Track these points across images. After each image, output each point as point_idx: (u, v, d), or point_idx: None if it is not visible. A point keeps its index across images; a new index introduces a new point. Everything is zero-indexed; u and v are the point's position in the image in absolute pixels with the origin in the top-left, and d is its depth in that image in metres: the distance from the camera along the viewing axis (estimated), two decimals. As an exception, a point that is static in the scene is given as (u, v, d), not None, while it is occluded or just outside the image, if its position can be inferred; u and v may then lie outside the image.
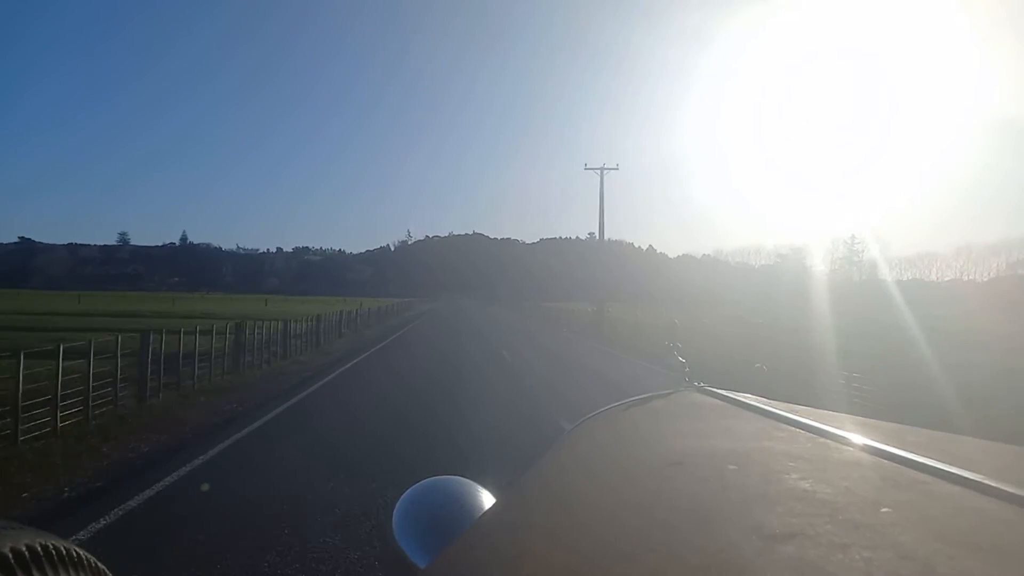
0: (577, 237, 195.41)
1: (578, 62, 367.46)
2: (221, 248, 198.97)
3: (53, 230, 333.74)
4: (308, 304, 50.95)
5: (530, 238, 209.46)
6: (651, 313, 28.31)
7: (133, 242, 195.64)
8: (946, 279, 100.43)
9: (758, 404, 1.00)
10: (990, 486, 0.52)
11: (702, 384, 1.28)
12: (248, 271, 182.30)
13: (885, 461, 0.63)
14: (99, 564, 0.39)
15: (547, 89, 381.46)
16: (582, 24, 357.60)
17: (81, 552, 0.37)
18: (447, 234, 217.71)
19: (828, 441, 0.73)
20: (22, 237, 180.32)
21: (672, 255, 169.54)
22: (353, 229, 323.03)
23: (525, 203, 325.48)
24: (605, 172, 30.06)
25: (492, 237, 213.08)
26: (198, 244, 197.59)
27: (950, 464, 0.58)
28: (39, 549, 0.33)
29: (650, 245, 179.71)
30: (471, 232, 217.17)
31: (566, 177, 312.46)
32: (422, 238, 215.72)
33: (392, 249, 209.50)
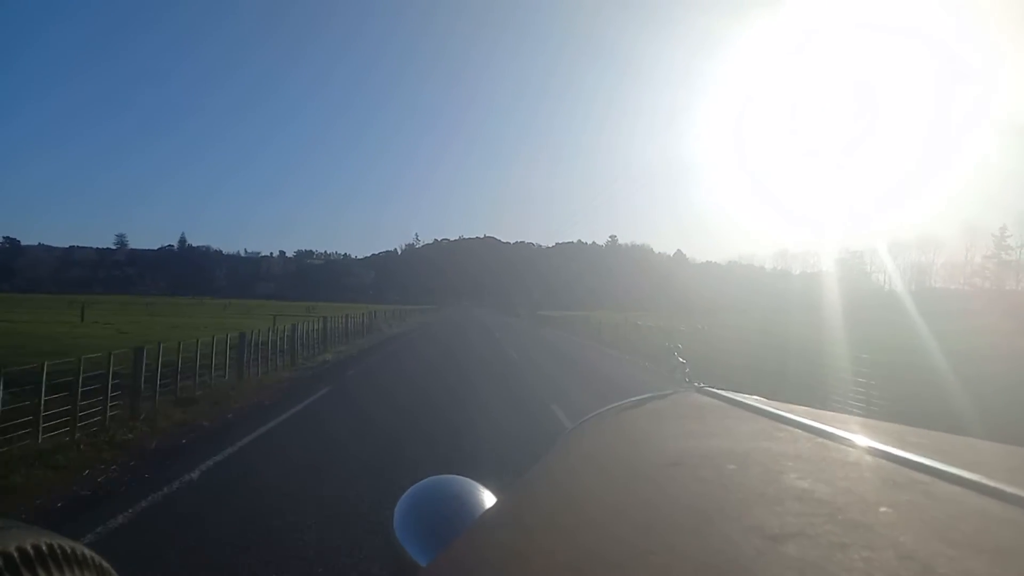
0: (594, 242, 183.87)
1: (598, 62, 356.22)
2: (221, 251, 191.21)
3: (55, 233, 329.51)
4: (216, 319, 33.78)
5: (546, 242, 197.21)
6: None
7: (132, 245, 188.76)
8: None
9: (758, 404, 1.00)
10: (990, 486, 0.52)
11: (702, 384, 1.24)
12: (243, 275, 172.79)
13: (885, 461, 0.63)
14: (104, 563, 0.39)
15: (563, 89, 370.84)
16: (601, 24, 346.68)
17: (86, 551, 0.37)
18: (457, 237, 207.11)
19: (828, 441, 0.73)
20: (7, 237, 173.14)
21: (704, 260, 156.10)
22: (360, 233, 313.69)
23: (540, 207, 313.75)
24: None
25: (505, 241, 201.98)
26: (197, 247, 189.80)
27: (950, 464, 0.58)
28: (44, 548, 0.33)
29: (678, 250, 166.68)
30: (482, 235, 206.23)
31: (585, 179, 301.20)
32: (430, 241, 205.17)
33: (398, 253, 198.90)
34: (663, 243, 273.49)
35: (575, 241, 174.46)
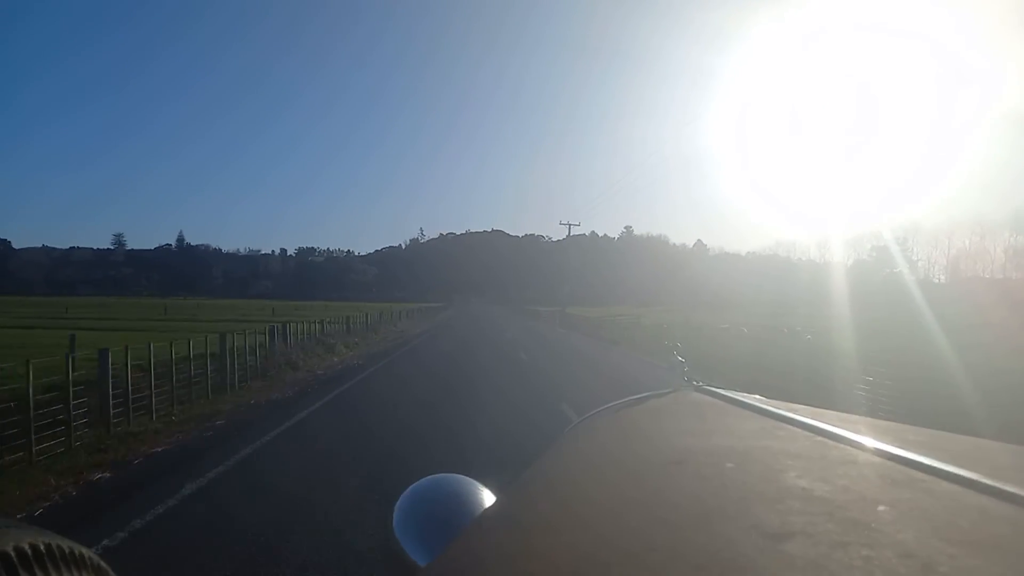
0: (606, 235, 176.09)
1: (609, 51, 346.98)
2: (220, 250, 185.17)
3: (55, 235, 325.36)
4: (98, 335, 25.51)
5: (556, 235, 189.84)
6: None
7: (130, 245, 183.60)
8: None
9: (757, 403, 1.00)
10: (989, 485, 0.52)
11: (701, 383, 1.24)
12: (241, 274, 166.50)
13: (884, 460, 0.63)
14: (102, 563, 0.38)
15: (573, 79, 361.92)
16: (611, 14, 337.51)
17: (84, 551, 0.36)
18: (463, 231, 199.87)
19: (827, 440, 0.73)
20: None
21: (731, 251, 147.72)
22: (365, 230, 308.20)
23: (549, 199, 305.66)
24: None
25: (513, 235, 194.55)
26: (195, 246, 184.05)
27: (949, 463, 0.58)
28: (42, 548, 0.32)
29: (699, 240, 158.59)
30: (490, 229, 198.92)
31: (596, 170, 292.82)
32: (436, 236, 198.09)
33: (403, 248, 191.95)
34: (681, 234, 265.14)
35: (587, 233, 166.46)
